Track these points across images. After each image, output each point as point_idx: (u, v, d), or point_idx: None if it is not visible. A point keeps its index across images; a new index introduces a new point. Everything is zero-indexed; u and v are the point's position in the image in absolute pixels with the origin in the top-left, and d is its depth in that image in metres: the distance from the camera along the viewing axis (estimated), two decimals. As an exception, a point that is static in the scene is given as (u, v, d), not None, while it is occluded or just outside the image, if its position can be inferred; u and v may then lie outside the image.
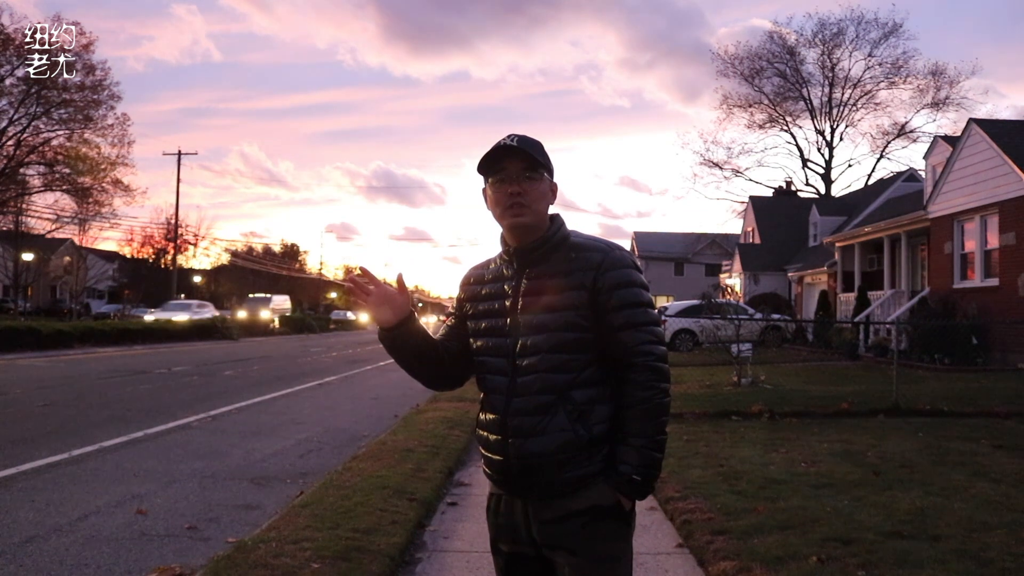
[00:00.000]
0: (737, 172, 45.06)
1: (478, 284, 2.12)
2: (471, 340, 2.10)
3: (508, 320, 2.00)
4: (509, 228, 2.02)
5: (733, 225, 45.95)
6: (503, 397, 1.97)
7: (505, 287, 2.04)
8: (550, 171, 2.05)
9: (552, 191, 2.06)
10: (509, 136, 2.01)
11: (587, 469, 1.91)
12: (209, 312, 39.85)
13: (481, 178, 2.07)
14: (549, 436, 1.90)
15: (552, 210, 2.08)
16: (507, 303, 2.02)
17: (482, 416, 2.05)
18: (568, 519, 1.92)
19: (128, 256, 61.71)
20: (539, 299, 1.96)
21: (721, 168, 45.04)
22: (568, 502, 1.92)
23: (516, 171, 1.98)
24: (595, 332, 1.94)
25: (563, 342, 1.93)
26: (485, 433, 2.02)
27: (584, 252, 1.99)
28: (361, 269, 2.12)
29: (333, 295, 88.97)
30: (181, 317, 35.78)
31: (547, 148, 2.07)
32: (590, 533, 1.91)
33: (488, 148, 2.01)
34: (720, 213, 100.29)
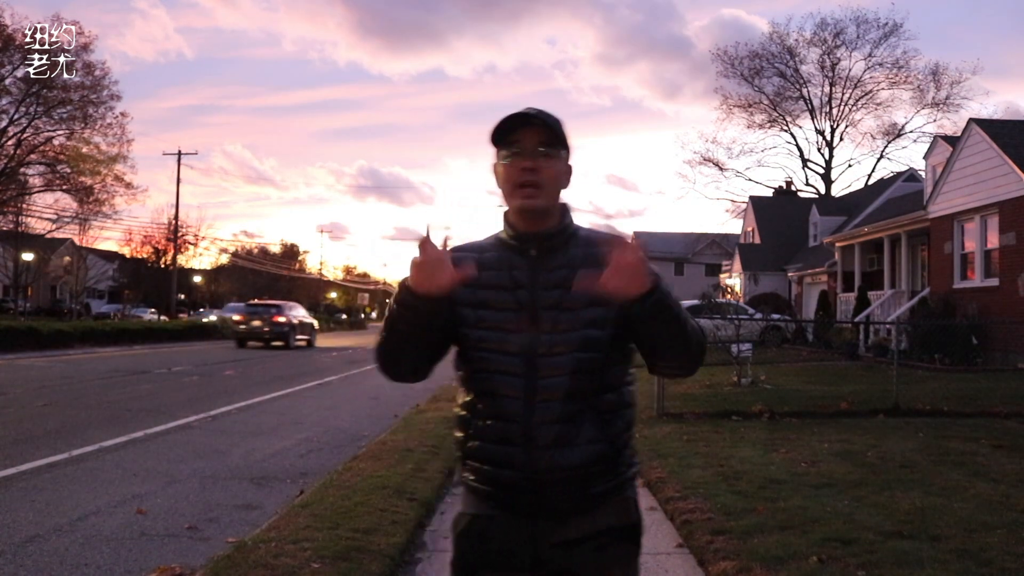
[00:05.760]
0: (737, 172, 45.17)
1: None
2: (465, 331, 1.82)
3: (525, 314, 1.78)
4: (518, 211, 1.83)
5: (733, 225, 45.95)
6: (520, 402, 1.74)
7: (515, 276, 1.82)
8: (568, 151, 1.86)
9: (568, 174, 1.88)
10: (528, 108, 1.82)
11: (607, 484, 1.78)
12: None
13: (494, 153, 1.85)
14: (579, 448, 1.73)
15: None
16: (522, 294, 1.79)
17: (482, 423, 1.80)
18: (583, 541, 1.77)
19: (128, 256, 61.66)
20: (565, 292, 1.77)
21: (720, 168, 45.12)
22: (584, 521, 1.77)
23: (531, 145, 1.79)
24: (619, 330, 1.78)
25: (591, 340, 1.76)
26: (489, 444, 1.78)
27: (604, 247, 1.77)
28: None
29: (333, 295, 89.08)
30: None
31: None
32: (604, 557, 1.78)
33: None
34: (719, 213, 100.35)
